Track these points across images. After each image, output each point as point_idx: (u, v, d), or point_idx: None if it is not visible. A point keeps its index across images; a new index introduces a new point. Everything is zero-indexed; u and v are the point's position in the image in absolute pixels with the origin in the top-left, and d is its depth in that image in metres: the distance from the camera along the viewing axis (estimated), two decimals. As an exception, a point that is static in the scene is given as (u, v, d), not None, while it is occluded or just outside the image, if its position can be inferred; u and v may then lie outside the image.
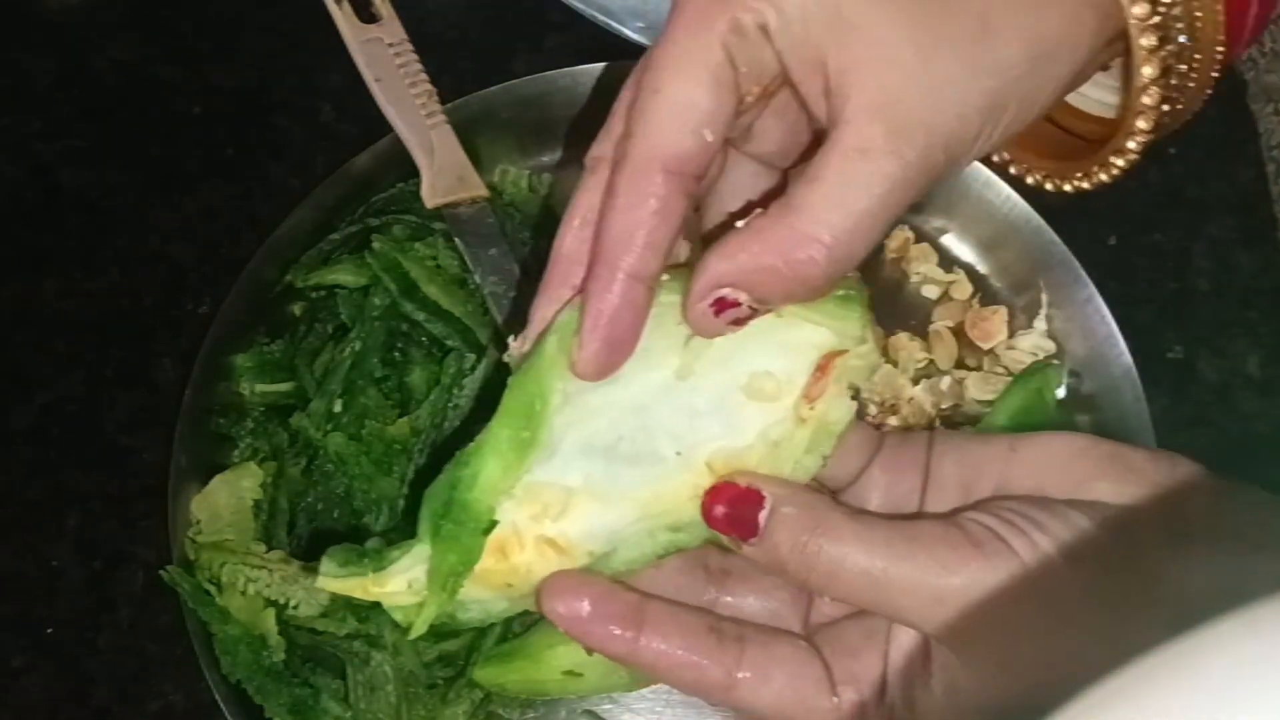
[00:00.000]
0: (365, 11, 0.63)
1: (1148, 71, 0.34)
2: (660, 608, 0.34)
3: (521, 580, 0.35)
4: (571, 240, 0.35)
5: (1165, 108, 0.35)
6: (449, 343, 0.57)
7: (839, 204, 0.32)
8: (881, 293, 0.63)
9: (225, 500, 0.55)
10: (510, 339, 0.36)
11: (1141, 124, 0.36)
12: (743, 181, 0.37)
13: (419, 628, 0.35)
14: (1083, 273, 0.59)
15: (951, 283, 0.63)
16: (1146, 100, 0.35)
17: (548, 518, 0.35)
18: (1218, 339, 0.63)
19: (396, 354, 0.58)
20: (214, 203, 0.66)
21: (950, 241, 0.64)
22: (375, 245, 0.58)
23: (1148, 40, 0.34)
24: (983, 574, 0.31)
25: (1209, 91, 0.37)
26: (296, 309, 0.60)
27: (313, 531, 0.55)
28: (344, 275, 0.59)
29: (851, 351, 0.34)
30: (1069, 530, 0.32)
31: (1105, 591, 0.31)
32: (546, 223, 0.63)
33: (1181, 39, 0.34)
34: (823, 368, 0.34)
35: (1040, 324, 0.61)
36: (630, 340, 0.34)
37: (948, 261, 0.64)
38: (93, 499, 0.59)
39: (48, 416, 0.61)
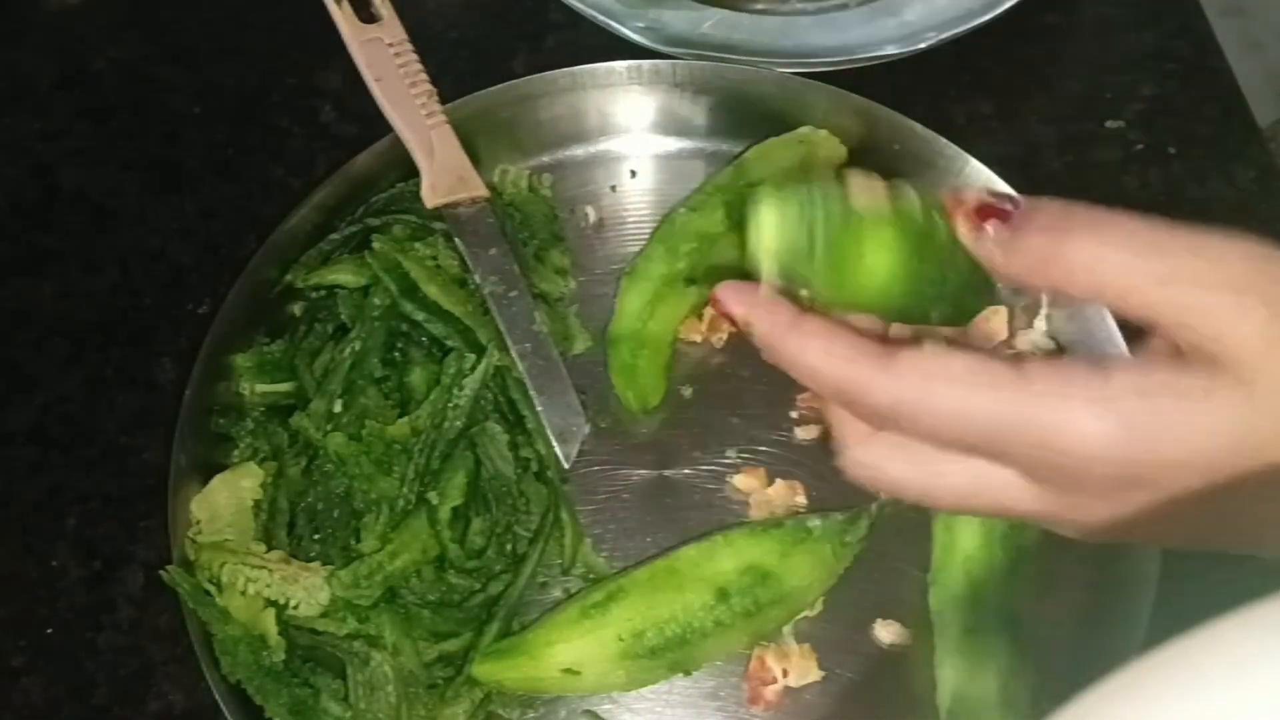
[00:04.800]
0: (365, 11, 0.63)
1: None
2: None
3: None
4: None
5: None
6: (449, 343, 0.57)
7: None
8: (881, 293, 0.62)
9: (225, 500, 0.55)
10: None
11: None
12: None
13: None
14: (1083, 273, 0.59)
15: (951, 283, 0.63)
16: None
17: None
18: (1218, 339, 0.63)
19: (396, 354, 0.58)
20: (214, 203, 0.66)
21: (950, 241, 0.64)
22: (375, 245, 0.58)
23: None
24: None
25: None
26: (296, 309, 0.60)
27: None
28: (344, 275, 0.59)
29: None
30: None
31: None
32: (547, 222, 0.63)
33: None
34: None
35: (1040, 324, 0.61)
36: None
37: (948, 261, 0.64)
38: (93, 499, 0.59)
39: (48, 416, 0.61)
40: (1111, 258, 0.31)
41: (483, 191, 0.60)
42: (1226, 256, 0.32)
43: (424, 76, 0.61)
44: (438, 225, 0.59)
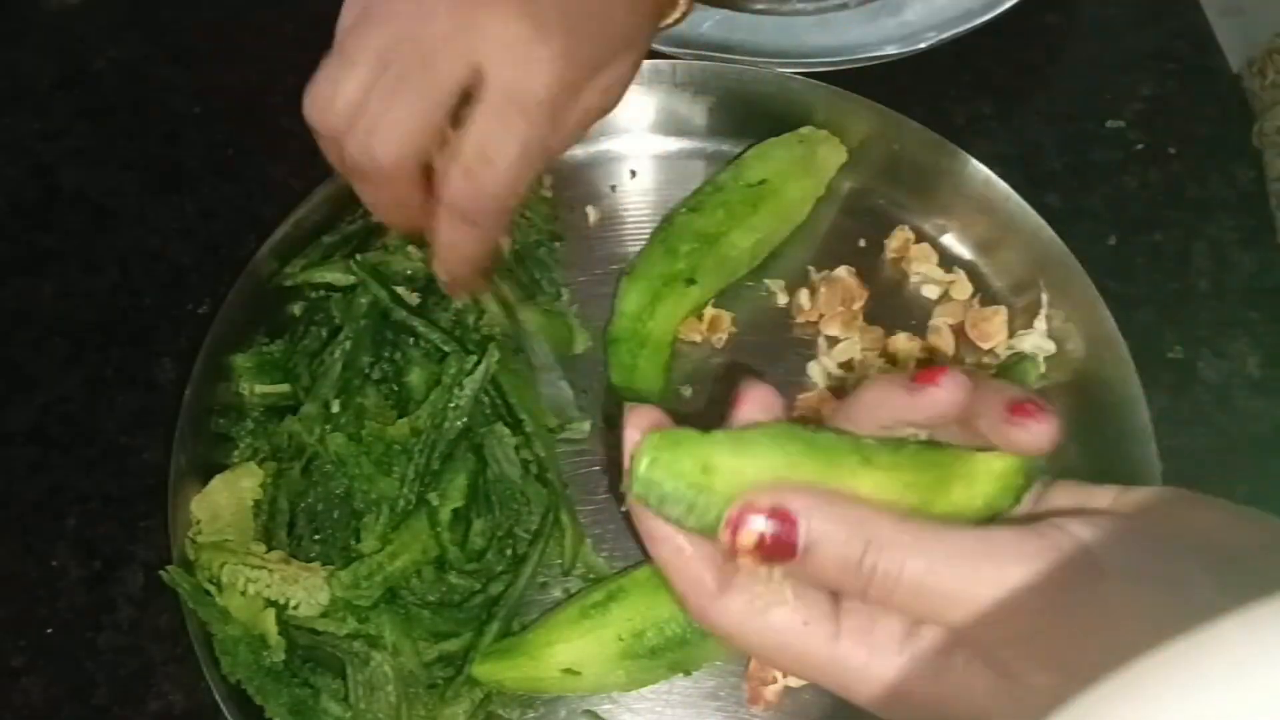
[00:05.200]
0: None
1: None
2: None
3: None
4: None
5: None
6: (445, 348, 0.57)
7: None
8: (881, 293, 0.63)
9: (225, 500, 0.55)
10: None
11: None
12: None
13: None
14: (1083, 273, 0.59)
15: (951, 283, 0.63)
16: None
17: None
18: (1218, 339, 0.63)
19: (396, 355, 0.58)
20: (214, 203, 0.66)
21: (950, 241, 0.64)
22: (358, 258, 0.59)
23: None
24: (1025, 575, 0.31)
25: None
26: (296, 309, 0.60)
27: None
28: (334, 275, 0.59)
29: None
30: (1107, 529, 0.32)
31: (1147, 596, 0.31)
32: (547, 222, 0.63)
33: None
34: None
35: (1040, 324, 0.61)
36: None
37: (948, 261, 0.64)
38: (93, 499, 0.59)
39: (48, 416, 0.61)
40: (914, 601, 0.32)
41: None
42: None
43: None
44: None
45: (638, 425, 0.33)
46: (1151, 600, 0.30)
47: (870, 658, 0.33)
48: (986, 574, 0.31)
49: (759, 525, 0.31)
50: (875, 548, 0.31)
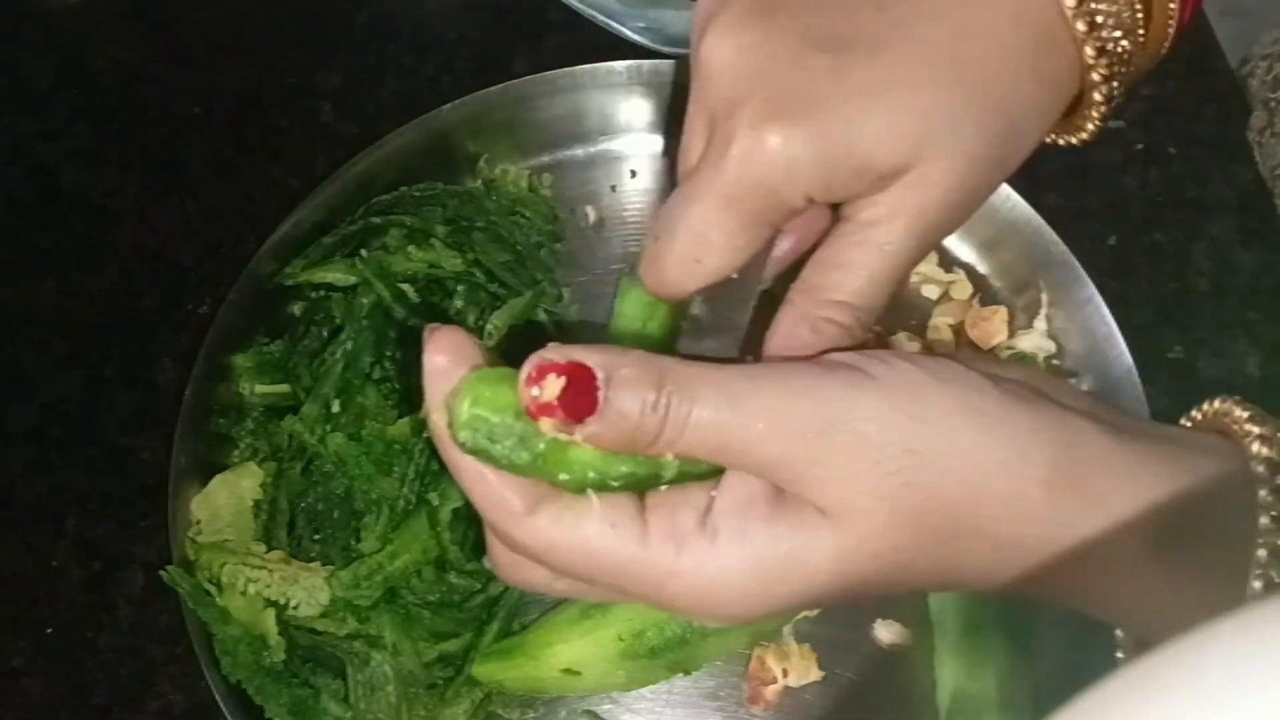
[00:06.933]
0: None
1: (1088, 52, 0.38)
2: None
3: None
4: None
5: (1115, 82, 0.39)
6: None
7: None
8: (881, 293, 0.62)
9: (225, 500, 0.55)
10: None
11: (1097, 96, 0.40)
12: None
13: None
14: (1083, 273, 0.59)
15: (951, 283, 0.63)
16: (1095, 77, 0.39)
17: None
18: (1218, 339, 0.63)
19: (397, 355, 0.58)
20: (214, 203, 0.66)
21: (950, 241, 0.64)
22: (363, 253, 0.58)
23: (1081, 26, 0.37)
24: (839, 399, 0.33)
25: (1165, 46, 0.41)
26: (296, 309, 0.60)
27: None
28: (335, 274, 0.59)
29: None
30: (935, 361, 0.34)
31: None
32: (547, 222, 0.63)
33: (1112, 25, 0.38)
34: None
35: (1040, 324, 0.61)
36: None
37: (948, 261, 0.64)
38: (93, 499, 0.59)
39: (48, 416, 0.61)
40: (711, 420, 0.32)
41: None
42: (804, 412, 0.33)
43: None
44: (440, 228, 0.59)
45: (442, 350, 0.33)
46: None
47: (679, 550, 0.32)
48: (766, 390, 0.32)
49: (558, 381, 0.31)
50: (671, 380, 0.32)
